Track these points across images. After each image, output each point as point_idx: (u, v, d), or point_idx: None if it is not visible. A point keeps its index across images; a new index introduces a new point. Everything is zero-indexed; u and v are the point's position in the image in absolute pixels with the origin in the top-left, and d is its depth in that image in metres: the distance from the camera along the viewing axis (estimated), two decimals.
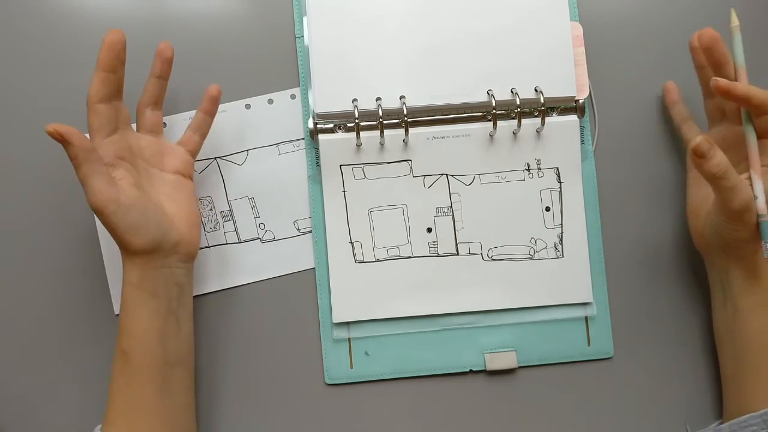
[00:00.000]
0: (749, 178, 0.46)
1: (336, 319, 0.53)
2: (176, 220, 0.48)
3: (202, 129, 0.52)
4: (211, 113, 0.52)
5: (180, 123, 0.54)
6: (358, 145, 0.53)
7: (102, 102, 0.45)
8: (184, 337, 0.49)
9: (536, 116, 0.53)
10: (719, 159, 0.44)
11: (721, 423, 0.51)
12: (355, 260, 0.53)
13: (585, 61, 0.54)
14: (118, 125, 0.47)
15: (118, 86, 0.46)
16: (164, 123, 0.54)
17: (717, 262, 0.50)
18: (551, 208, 0.54)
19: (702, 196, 0.51)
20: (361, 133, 0.52)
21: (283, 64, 0.55)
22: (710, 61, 0.48)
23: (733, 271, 0.49)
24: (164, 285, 0.47)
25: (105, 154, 0.45)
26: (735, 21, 0.47)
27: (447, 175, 0.54)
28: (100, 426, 0.47)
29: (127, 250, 0.46)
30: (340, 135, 0.53)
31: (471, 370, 0.54)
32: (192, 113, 0.54)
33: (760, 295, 0.48)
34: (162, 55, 0.50)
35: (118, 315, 0.53)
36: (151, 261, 0.46)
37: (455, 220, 0.54)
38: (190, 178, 0.51)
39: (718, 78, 0.46)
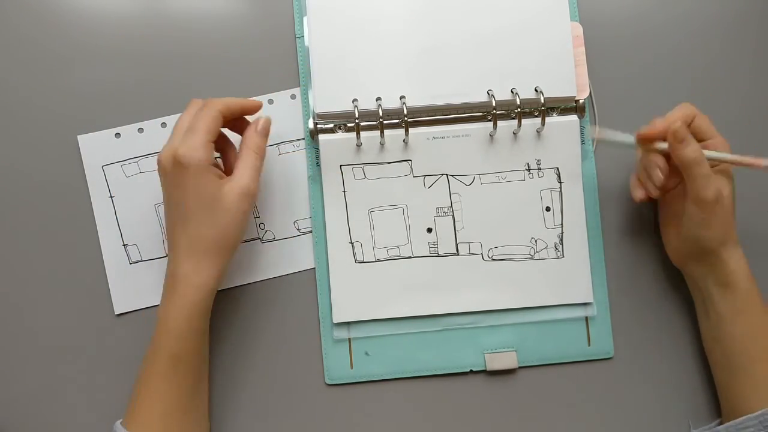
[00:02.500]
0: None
1: (336, 319, 0.53)
2: None
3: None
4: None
5: None
6: (359, 145, 0.53)
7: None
8: (208, 335, 0.50)
9: (536, 116, 0.53)
10: (696, 146, 0.47)
11: (720, 424, 0.51)
12: (355, 260, 0.53)
13: (585, 61, 0.54)
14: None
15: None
16: (164, 123, 0.54)
17: (695, 272, 0.51)
18: (551, 208, 0.54)
19: (672, 212, 0.52)
20: (362, 133, 0.52)
21: (283, 64, 0.55)
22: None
23: (709, 279, 0.50)
24: (219, 284, 0.48)
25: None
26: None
27: (447, 175, 0.54)
28: (120, 421, 0.47)
29: (226, 250, 0.47)
30: (341, 135, 0.53)
31: (471, 370, 0.54)
32: None
33: (736, 302, 0.49)
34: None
35: (118, 315, 0.53)
36: (229, 260, 0.48)
37: (455, 220, 0.54)
38: None
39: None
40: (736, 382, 0.50)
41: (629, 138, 0.50)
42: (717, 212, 0.48)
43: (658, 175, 0.49)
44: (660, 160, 0.49)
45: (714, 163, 0.49)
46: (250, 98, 0.53)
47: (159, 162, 0.47)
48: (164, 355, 0.46)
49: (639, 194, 0.51)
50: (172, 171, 0.46)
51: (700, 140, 0.49)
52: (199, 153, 0.46)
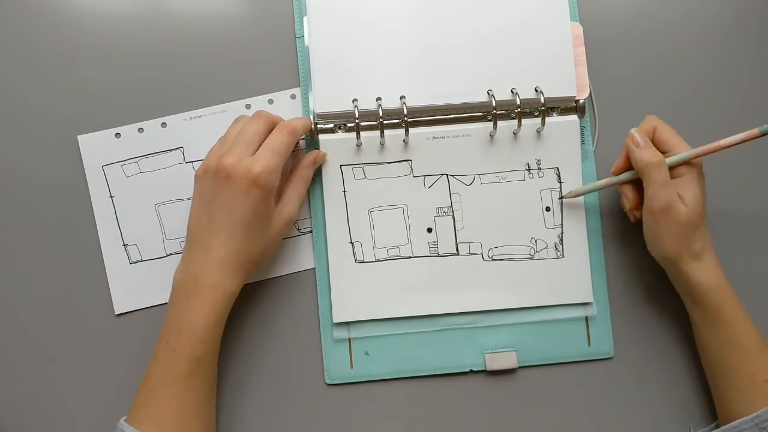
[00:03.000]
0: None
1: (336, 319, 0.53)
2: None
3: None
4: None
5: (180, 123, 0.54)
6: (359, 145, 0.53)
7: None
8: None
9: (536, 116, 0.53)
10: (654, 151, 0.48)
11: (717, 426, 0.51)
12: (356, 260, 0.53)
13: (585, 61, 0.54)
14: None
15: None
16: (164, 123, 0.54)
17: (672, 280, 0.52)
18: (551, 208, 0.54)
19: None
20: (362, 133, 0.52)
21: (283, 64, 0.55)
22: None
23: (680, 289, 0.51)
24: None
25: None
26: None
27: (447, 175, 0.54)
28: (124, 418, 0.47)
29: (255, 266, 0.49)
30: (341, 135, 0.53)
31: (471, 370, 0.54)
32: (192, 113, 0.54)
33: (706, 314, 0.50)
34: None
35: (118, 315, 0.53)
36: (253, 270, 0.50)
37: (455, 220, 0.54)
38: None
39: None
40: (721, 387, 0.50)
41: (599, 183, 0.52)
42: (664, 223, 0.48)
43: (627, 202, 0.51)
44: (625, 189, 0.51)
45: (681, 171, 0.49)
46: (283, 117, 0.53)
47: (224, 167, 0.46)
48: (186, 358, 0.46)
49: (631, 217, 0.52)
50: (239, 183, 0.46)
51: (664, 151, 0.49)
52: (275, 178, 0.48)
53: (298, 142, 0.53)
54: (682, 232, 0.48)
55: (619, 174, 0.52)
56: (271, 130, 0.49)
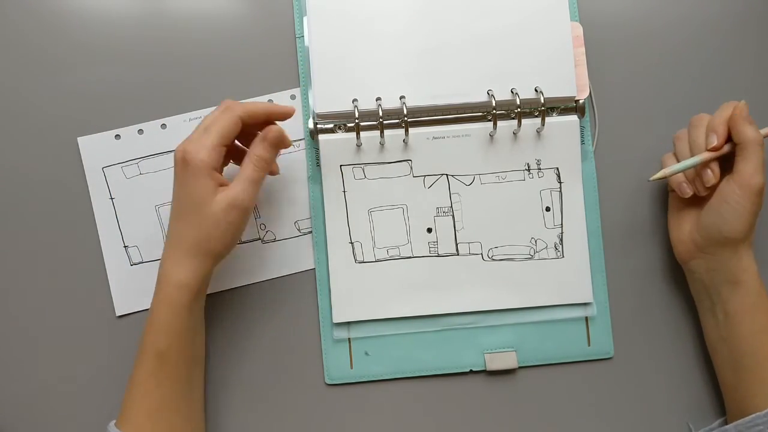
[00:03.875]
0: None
1: (336, 319, 0.53)
2: None
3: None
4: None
5: (180, 124, 0.54)
6: (359, 145, 0.53)
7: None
8: (203, 335, 0.50)
9: (536, 116, 0.53)
10: (757, 129, 0.47)
11: (725, 422, 0.51)
12: (355, 260, 0.54)
13: (585, 61, 0.54)
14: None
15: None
16: (164, 125, 0.54)
17: (702, 267, 0.51)
18: (551, 208, 0.54)
19: (691, 199, 0.51)
20: (362, 133, 0.52)
21: (283, 64, 0.55)
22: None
23: (718, 276, 0.50)
24: (205, 285, 0.48)
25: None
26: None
27: (447, 175, 0.54)
28: (113, 422, 0.47)
29: (208, 256, 0.46)
30: (341, 135, 0.53)
31: (471, 370, 0.54)
32: (192, 114, 0.54)
33: (746, 300, 0.49)
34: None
35: (119, 316, 0.53)
36: (212, 265, 0.47)
37: (455, 220, 0.54)
38: None
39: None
40: (743, 381, 0.49)
41: (694, 159, 0.49)
42: (755, 203, 0.47)
43: (713, 177, 0.49)
44: (713, 164, 0.49)
45: None
46: (280, 103, 0.51)
47: (174, 155, 0.47)
48: (150, 352, 0.46)
49: (688, 191, 0.50)
50: (178, 166, 0.46)
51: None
52: (202, 154, 0.45)
53: (288, 144, 0.50)
54: (757, 214, 0.48)
55: (717, 148, 0.49)
56: (231, 117, 0.47)
